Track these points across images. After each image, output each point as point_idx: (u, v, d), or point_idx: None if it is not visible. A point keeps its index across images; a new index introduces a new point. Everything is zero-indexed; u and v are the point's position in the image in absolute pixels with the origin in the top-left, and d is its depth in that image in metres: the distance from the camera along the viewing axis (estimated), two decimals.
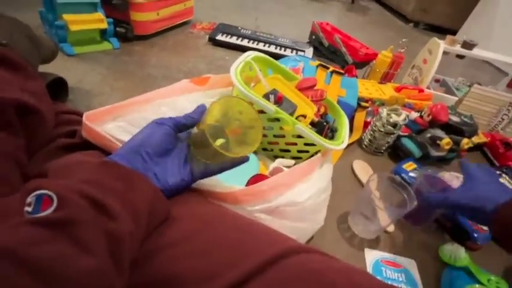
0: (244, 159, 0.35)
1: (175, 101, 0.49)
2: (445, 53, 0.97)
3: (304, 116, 0.54)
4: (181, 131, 0.32)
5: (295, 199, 0.40)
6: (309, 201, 0.42)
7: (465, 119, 0.76)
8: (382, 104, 0.87)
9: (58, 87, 0.64)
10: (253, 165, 0.51)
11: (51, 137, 0.38)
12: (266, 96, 0.52)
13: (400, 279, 0.48)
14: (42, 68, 0.61)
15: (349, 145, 0.75)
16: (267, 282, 0.22)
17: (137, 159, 0.27)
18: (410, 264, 0.51)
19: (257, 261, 0.23)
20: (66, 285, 0.17)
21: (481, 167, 0.44)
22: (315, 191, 0.43)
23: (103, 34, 0.93)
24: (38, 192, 0.20)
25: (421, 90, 0.94)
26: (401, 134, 0.74)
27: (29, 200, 0.19)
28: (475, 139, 0.76)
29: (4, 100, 0.30)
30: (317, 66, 0.79)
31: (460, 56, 1.02)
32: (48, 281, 0.17)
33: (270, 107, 0.48)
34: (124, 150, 0.28)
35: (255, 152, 0.58)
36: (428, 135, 0.72)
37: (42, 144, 0.37)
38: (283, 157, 0.57)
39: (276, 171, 0.48)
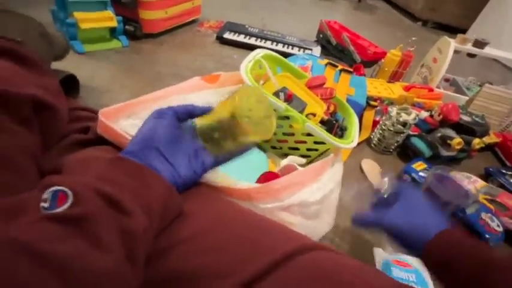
0: (248, 147, 0.35)
1: (186, 98, 0.49)
2: (455, 51, 0.95)
3: (314, 114, 0.54)
4: (182, 120, 0.31)
5: (307, 199, 0.40)
6: (320, 201, 0.41)
7: (476, 119, 0.75)
8: (391, 103, 0.86)
9: (69, 85, 0.65)
10: (263, 163, 0.51)
11: (65, 133, 0.38)
12: (276, 94, 0.52)
13: (411, 279, 0.47)
14: (53, 66, 0.62)
15: (357, 144, 0.74)
16: (280, 281, 0.22)
17: (149, 154, 0.27)
18: (421, 265, 0.50)
19: (270, 258, 0.23)
20: (82, 281, 0.18)
21: (417, 191, 0.40)
22: (327, 191, 0.43)
23: (112, 32, 0.93)
24: (53, 188, 0.20)
25: (430, 90, 0.93)
26: (411, 133, 0.73)
27: (45, 196, 0.20)
28: (487, 139, 0.75)
29: (21, 96, 0.30)
30: (326, 65, 0.78)
31: (471, 55, 1.01)
32: (65, 276, 0.17)
33: (280, 104, 0.48)
34: (135, 145, 0.28)
35: (264, 150, 0.58)
36: (439, 134, 0.71)
37: (56, 140, 0.37)
38: (292, 155, 0.56)
39: (288, 168, 0.48)
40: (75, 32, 0.84)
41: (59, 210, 0.19)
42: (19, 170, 0.28)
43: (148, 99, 0.45)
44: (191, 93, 0.52)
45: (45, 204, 0.19)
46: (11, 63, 0.34)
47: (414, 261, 0.50)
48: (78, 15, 0.81)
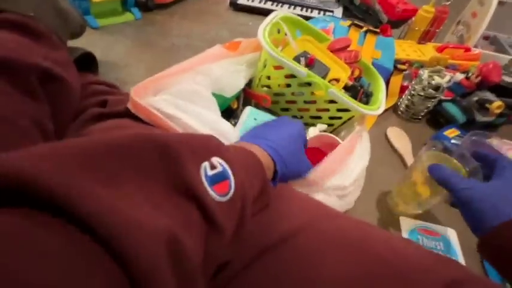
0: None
1: (210, 68, 0.48)
2: (500, 3, 0.84)
3: (338, 80, 0.51)
4: None
5: (343, 183, 0.40)
6: (354, 182, 0.41)
7: None
8: (421, 66, 0.79)
9: (87, 62, 0.65)
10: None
11: (81, 107, 0.38)
12: (296, 59, 0.49)
13: (438, 247, 0.46)
14: (71, 43, 0.62)
15: (383, 111, 0.70)
16: (300, 247, 0.22)
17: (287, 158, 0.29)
18: (450, 233, 0.48)
19: (291, 225, 0.22)
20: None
21: None
22: (360, 170, 0.42)
23: (124, 4, 0.91)
24: (223, 166, 0.20)
25: (467, 49, 0.84)
26: (443, 98, 0.67)
27: (212, 163, 0.19)
28: None
29: (26, 65, 0.30)
30: (349, 26, 0.72)
31: None
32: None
33: (302, 70, 0.45)
34: (279, 146, 0.29)
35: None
36: (475, 98, 0.65)
37: (71, 115, 0.37)
38: (313, 124, 0.54)
39: (320, 139, 0.47)
40: (88, 6, 0.82)
41: (223, 199, 0.19)
42: (19, 130, 0.28)
43: (174, 72, 0.45)
44: (215, 61, 0.51)
45: (209, 173, 0.19)
46: (21, 37, 0.34)
47: (441, 229, 0.49)
48: None
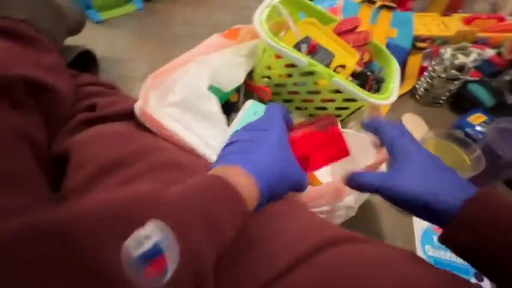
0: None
1: (208, 61, 0.46)
2: None
3: (344, 66, 0.46)
4: None
5: (349, 204, 0.38)
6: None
7: None
8: (445, 42, 0.71)
9: (87, 59, 0.64)
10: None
11: (73, 112, 0.38)
12: (297, 46, 0.45)
13: None
14: (71, 40, 0.61)
15: (398, 96, 0.64)
16: (299, 280, 0.19)
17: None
18: None
19: (282, 262, 0.20)
20: None
21: (420, 146, 0.26)
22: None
23: None
24: (154, 241, 0.15)
25: (501, 19, 0.74)
26: (468, 78, 0.60)
27: (139, 238, 0.14)
28: None
29: (10, 77, 0.29)
30: (361, 3, 0.65)
31: None
32: None
33: (302, 58, 0.41)
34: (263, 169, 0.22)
35: (289, 112, 0.53)
36: (507, 77, 0.57)
37: (64, 121, 0.36)
38: (319, 115, 0.51)
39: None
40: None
41: (158, 284, 0.14)
42: (6, 150, 0.27)
43: (173, 66, 0.44)
44: (213, 52, 0.49)
45: (135, 252, 0.14)
46: (8, 44, 0.33)
47: None
48: None
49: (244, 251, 0.21)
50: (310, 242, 0.21)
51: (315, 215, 0.26)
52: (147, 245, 0.14)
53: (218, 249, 0.18)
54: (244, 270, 0.20)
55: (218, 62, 0.47)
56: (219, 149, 0.26)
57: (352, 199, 0.38)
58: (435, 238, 0.43)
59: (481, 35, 0.71)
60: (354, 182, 0.26)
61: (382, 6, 0.64)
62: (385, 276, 0.19)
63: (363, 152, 0.41)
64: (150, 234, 0.15)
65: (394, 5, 0.65)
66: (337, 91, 0.44)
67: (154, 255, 0.14)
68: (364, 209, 0.47)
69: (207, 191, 0.19)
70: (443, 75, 0.58)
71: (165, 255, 0.15)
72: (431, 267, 0.21)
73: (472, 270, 0.42)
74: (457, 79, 0.58)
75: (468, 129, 0.54)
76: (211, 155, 0.38)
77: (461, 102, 0.62)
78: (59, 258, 0.13)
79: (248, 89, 0.54)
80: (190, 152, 0.37)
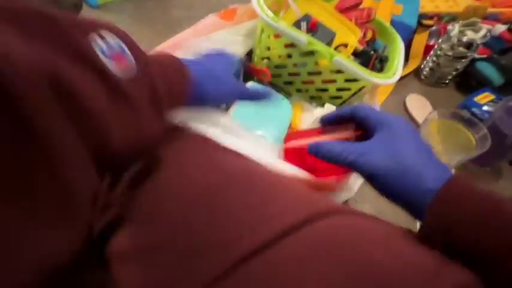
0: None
1: (204, 41, 0.45)
2: None
3: (346, 45, 0.45)
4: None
5: (349, 196, 0.38)
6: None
7: None
8: (453, 19, 0.68)
9: None
10: (286, 111, 0.46)
11: None
12: (297, 25, 0.43)
13: None
14: None
15: (402, 77, 0.62)
16: (283, 255, 0.19)
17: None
18: None
19: (273, 229, 0.19)
20: None
21: (400, 120, 0.24)
22: None
23: None
24: (116, 40, 0.18)
25: None
26: (476, 56, 0.58)
27: (101, 34, 0.17)
28: None
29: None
30: None
31: None
32: None
33: (301, 37, 0.40)
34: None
35: (289, 94, 0.52)
36: None
37: None
38: (320, 97, 0.50)
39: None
40: None
41: (126, 75, 0.17)
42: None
43: (165, 47, 0.44)
44: (208, 34, 0.47)
45: (101, 43, 0.16)
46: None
47: None
48: None
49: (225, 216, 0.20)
50: (302, 212, 0.21)
51: (308, 189, 0.25)
52: (110, 42, 0.17)
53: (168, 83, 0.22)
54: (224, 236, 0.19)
55: (215, 43, 0.46)
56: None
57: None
58: None
59: (491, 10, 0.67)
60: (316, 150, 0.25)
61: None
62: (386, 257, 0.18)
63: None
64: (111, 37, 0.17)
65: None
66: (339, 71, 0.43)
67: (118, 51, 0.17)
68: (363, 193, 0.46)
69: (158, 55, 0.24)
70: (450, 53, 0.56)
71: (127, 55, 0.17)
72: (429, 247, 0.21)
73: None
74: (465, 57, 0.56)
75: (474, 109, 0.53)
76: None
77: (469, 81, 0.60)
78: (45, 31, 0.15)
79: (247, 72, 0.52)
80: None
